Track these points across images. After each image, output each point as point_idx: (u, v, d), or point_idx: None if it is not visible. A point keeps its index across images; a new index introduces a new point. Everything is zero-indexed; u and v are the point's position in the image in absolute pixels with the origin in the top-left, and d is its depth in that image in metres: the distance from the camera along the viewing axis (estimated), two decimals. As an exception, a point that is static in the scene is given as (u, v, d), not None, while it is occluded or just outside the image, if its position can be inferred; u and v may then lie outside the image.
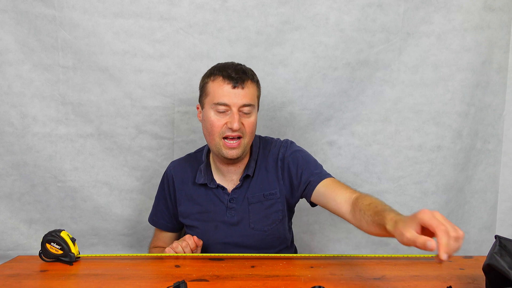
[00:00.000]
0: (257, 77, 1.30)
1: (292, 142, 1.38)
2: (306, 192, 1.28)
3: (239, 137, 1.24)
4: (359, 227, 1.09)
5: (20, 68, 1.54)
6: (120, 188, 1.64)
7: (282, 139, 1.40)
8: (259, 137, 1.40)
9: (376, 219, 0.98)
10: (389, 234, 0.93)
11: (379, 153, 1.67)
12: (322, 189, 1.24)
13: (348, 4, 1.57)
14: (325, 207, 1.26)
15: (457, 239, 0.81)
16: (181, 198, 1.38)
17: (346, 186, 1.22)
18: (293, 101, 1.63)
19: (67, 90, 1.57)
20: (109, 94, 1.58)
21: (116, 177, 1.63)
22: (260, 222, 1.32)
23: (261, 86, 1.60)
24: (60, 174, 1.60)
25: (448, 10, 1.58)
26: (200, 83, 1.30)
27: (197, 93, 1.32)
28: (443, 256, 0.78)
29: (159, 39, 1.56)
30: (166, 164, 1.53)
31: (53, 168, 1.60)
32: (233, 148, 1.24)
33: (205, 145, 1.40)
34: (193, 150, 1.49)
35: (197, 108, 1.33)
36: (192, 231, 1.37)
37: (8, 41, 1.52)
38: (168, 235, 1.46)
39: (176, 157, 1.59)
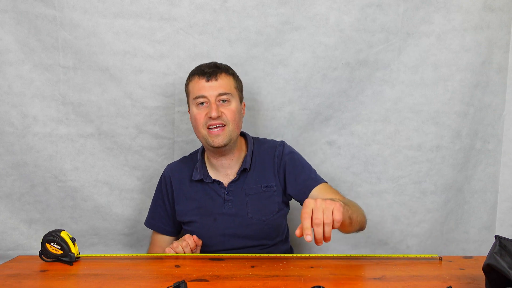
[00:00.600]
0: (233, 71, 1.39)
1: (286, 144, 1.45)
2: (302, 195, 1.36)
3: (222, 125, 1.32)
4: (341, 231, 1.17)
5: (21, 68, 1.54)
6: (121, 188, 1.64)
7: (277, 140, 1.47)
8: (252, 137, 1.46)
9: None
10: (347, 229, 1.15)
11: (378, 153, 1.67)
12: (315, 193, 1.34)
13: (348, 4, 1.57)
14: None
15: (317, 225, 0.92)
16: (179, 198, 1.42)
17: (337, 192, 1.35)
18: (293, 101, 1.63)
19: (68, 90, 1.57)
20: (109, 94, 1.58)
21: (117, 176, 1.64)
22: (258, 212, 1.37)
23: (261, 86, 1.62)
24: (60, 174, 1.60)
25: (448, 10, 1.58)
26: (184, 87, 1.40)
27: (197, 93, 1.35)
28: (306, 237, 0.91)
29: (159, 39, 1.57)
30: (166, 163, 1.54)
31: (53, 168, 1.60)
32: (218, 135, 1.31)
33: (200, 146, 1.45)
34: (193, 150, 1.52)
35: (188, 111, 1.41)
36: (191, 227, 1.40)
37: (8, 41, 1.52)
38: (165, 239, 1.48)
39: (176, 157, 1.60)
